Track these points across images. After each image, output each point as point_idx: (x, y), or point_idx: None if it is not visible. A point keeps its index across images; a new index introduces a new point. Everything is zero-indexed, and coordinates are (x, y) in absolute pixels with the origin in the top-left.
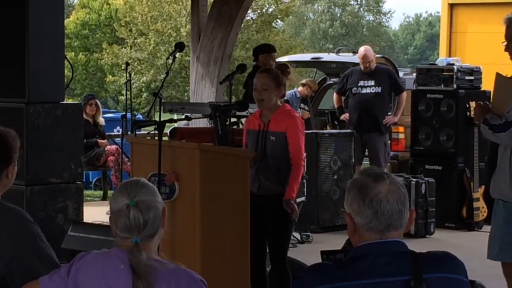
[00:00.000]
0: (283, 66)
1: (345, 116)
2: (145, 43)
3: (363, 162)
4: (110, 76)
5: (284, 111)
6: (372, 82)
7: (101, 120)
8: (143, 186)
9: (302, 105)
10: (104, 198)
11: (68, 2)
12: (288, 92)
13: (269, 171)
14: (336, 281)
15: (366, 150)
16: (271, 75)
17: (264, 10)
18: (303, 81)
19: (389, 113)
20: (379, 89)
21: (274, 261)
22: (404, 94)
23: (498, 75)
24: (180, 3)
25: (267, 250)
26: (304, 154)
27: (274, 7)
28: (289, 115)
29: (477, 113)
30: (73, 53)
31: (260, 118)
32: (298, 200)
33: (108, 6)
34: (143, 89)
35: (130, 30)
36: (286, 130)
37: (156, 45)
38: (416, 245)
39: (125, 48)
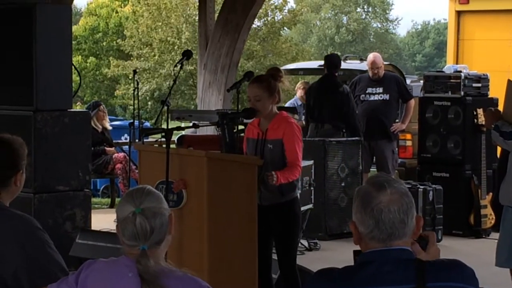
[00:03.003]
0: (275, 70)
1: None
2: (150, 53)
3: (370, 169)
4: (118, 90)
5: (281, 118)
6: (380, 89)
7: (108, 126)
8: (148, 194)
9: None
10: (111, 205)
11: (76, 10)
12: (289, 102)
13: None
14: (340, 287)
15: (374, 157)
16: (262, 85)
17: (270, 19)
18: (297, 87)
19: (397, 120)
20: (387, 96)
21: (283, 267)
22: (412, 101)
23: (510, 82)
24: (181, 10)
25: (276, 258)
26: (301, 162)
27: (280, 15)
28: (286, 122)
29: (487, 119)
30: (80, 57)
31: (259, 126)
32: (306, 207)
33: (117, 13)
34: (147, 98)
35: (134, 42)
36: (283, 137)
37: (160, 54)
38: None
39: (131, 60)
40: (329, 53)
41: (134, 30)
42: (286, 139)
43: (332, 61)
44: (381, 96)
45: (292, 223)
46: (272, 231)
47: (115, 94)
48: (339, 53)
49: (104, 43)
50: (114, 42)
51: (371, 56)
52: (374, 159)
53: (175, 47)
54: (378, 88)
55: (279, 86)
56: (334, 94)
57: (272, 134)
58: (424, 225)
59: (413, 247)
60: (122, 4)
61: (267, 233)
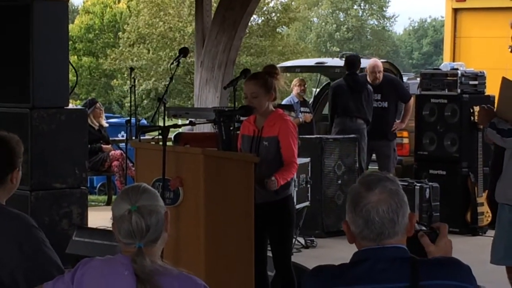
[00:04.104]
0: (271, 68)
1: None
2: (142, 51)
3: (369, 167)
4: (115, 80)
5: (277, 116)
6: (378, 96)
7: (104, 123)
8: (144, 191)
9: (302, 109)
10: (108, 203)
11: (72, 7)
12: (286, 100)
13: (263, 178)
14: (334, 284)
15: (372, 155)
16: (259, 82)
17: (268, 17)
18: (293, 84)
19: (396, 119)
20: (385, 104)
21: (278, 266)
22: (411, 101)
23: (504, 80)
24: (181, 5)
25: (271, 256)
26: (297, 159)
27: (279, 14)
28: (281, 119)
29: (481, 117)
30: (76, 57)
31: (255, 123)
32: (302, 205)
33: (111, 9)
34: (143, 96)
35: (129, 38)
36: (278, 134)
37: (154, 50)
38: None
39: (129, 49)
40: (327, 49)
41: (134, 25)
42: (282, 137)
43: (350, 61)
44: (379, 104)
45: (286, 220)
46: (267, 229)
47: (112, 84)
48: (337, 50)
49: (100, 41)
50: (111, 39)
51: (372, 61)
52: (375, 158)
53: (174, 43)
54: (376, 95)
55: (275, 83)
56: (363, 91)
57: (268, 131)
58: (421, 223)
59: (422, 240)
60: (117, 0)
61: (261, 230)
